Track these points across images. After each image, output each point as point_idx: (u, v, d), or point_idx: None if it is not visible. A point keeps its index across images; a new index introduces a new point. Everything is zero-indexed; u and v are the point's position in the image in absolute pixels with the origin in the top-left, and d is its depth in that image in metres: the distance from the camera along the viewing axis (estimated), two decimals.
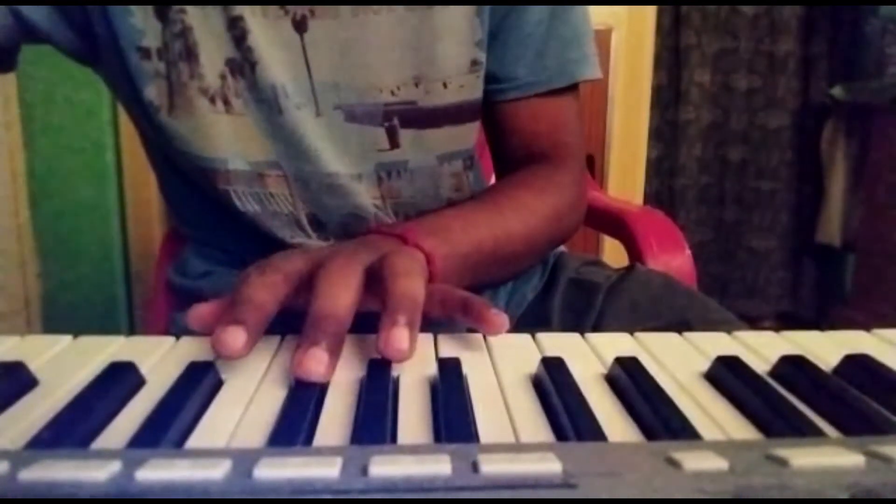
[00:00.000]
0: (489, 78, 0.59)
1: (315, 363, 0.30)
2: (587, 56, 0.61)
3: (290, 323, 0.35)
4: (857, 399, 0.29)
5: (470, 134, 0.60)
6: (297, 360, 0.30)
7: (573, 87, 0.62)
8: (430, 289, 0.38)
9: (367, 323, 0.38)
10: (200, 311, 0.35)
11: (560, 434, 0.27)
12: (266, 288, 0.34)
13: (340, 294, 0.34)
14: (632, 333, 0.38)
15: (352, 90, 0.54)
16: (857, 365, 0.32)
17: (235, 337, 0.31)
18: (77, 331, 0.37)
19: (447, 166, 0.60)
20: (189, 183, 0.58)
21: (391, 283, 0.35)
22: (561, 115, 0.62)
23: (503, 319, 0.35)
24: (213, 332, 0.31)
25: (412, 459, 0.21)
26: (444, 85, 0.56)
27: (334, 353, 0.31)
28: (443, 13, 0.54)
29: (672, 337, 0.38)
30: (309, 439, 0.26)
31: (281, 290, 0.35)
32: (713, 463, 0.21)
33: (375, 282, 0.36)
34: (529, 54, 0.59)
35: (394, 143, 0.56)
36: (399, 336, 0.31)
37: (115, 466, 0.20)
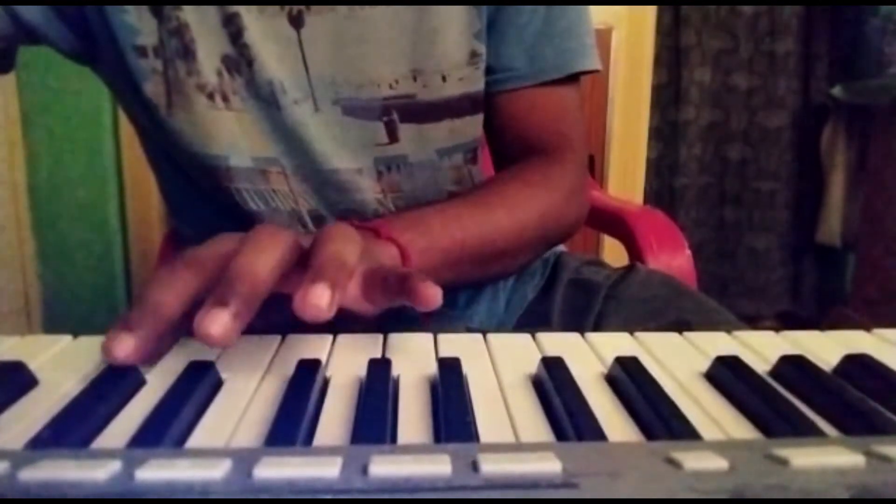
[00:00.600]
0: (486, 68, 0.58)
1: (217, 325, 0.28)
2: (585, 47, 0.61)
3: (276, 312, 0.33)
4: (857, 399, 0.29)
5: (471, 127, 0.60)
6: (198, 322, 0.28)
7: (573, 80, 0.61)
8: (374, 270, 0.36)
9: (366, 321, 0.38)
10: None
11: (560, 434, 0.27)
12: (167, 286, 0.32)
13: (262, 257, 0.31)
14: (632, 333, 0.38)
15: (349, 85, 0.54)
16: (857, 365, 0.32)
17: (121, 344, 0.29)
18: (77, 331, 0.37)
19: (448, 160, 0.59)
20: (189, 182, 0.58)
21: (318, 247, 0.33)
22: (559, 106, 0.61)
23: (435, 292, 0.32)
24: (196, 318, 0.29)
25: (412, 459, 0.21)
26: (443, 78, 0.56)
27: (241, 318, 0.29)
28: (440, 6, 0.54)
29: (672, 337, 0.38)
30: (309, 439, 0.26)
31: (189, 286, 0.32)
32: (713, 463, 0.21)
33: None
34: (526, 45, 0.58)
35: (393, 138, 0.56)
36: (318, 292, 0.29)
37: (115, 466, 0.20)
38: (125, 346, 0.30)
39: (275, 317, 0.33)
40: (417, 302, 0.32)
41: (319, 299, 0.29)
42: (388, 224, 0.45)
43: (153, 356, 0.32)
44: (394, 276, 0.35)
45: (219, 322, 0.28)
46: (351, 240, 0.34)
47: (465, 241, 0.50)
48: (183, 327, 0.32)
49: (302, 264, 0.33)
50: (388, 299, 0.35)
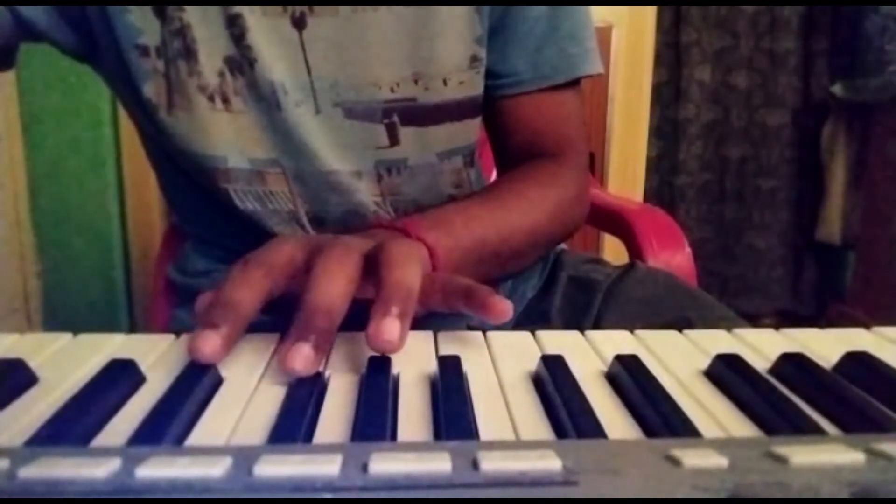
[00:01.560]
0: (489, 74, 0.59)
1: (301, 359, 0.30)
2: (588, 51, 0.61)
3: (287, 310, 0.34)
4: (857, 397, 0.29)
5: (470, 131, 0.60)
6: (283, 355, 0.30)
7: (575, 83, 0.62)
8: (431, 277, 0.38)
9: (366, 319, 0.38)
10: (206, 301, 0.35)
11: (560, 431, 0.27)
12: (245, 286, 0.34)
13: (335, 286, 0.33)
14: (632, 331, 0.38)
15: (351, 87, 0.54)
16: (857, 362, 0.32)
17: (208, 342, 0.30)
18: (77, 328, 0.37)
19: (447, 163, 0.60)
20: (189, 181, 0.58)
21: (386, 272, 0.34)
22: (562, 110, 0.62)
23: (507, 306, 0.35)
24: (190, 339, 0.31)
25: (412, 457, 0.21)
26: (444, 82, 0.56)
27: (321, 349, 0.31)
28: (442, 10, 0.54)
29: (672, 334, 0.38)
30: (309, 436, 0.26)
31: (263, 286, 0.34)
32: (713, 460, 0.21)
33: (372, 271, 0.35)
34: (529, 49, 0.59)
35: (393, 141, 0.56)
36: (389, 327, 0.31)
37: (114, 464, 0.20)
38: (212, 344, 0.31)
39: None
40: (490, 314, 0.34)
41: (391, 334, 0.31)
42: (415, 224, 0.45)
43: (229, 352, 0.32)
44: (457, 287, 0.37)
45: (302, 356, 0.30)
46: (413, 262, 0.35)
47: (486, 239, 0.51)
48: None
49: (367, 271, 0.35)
50: (448, 306, 0.37)
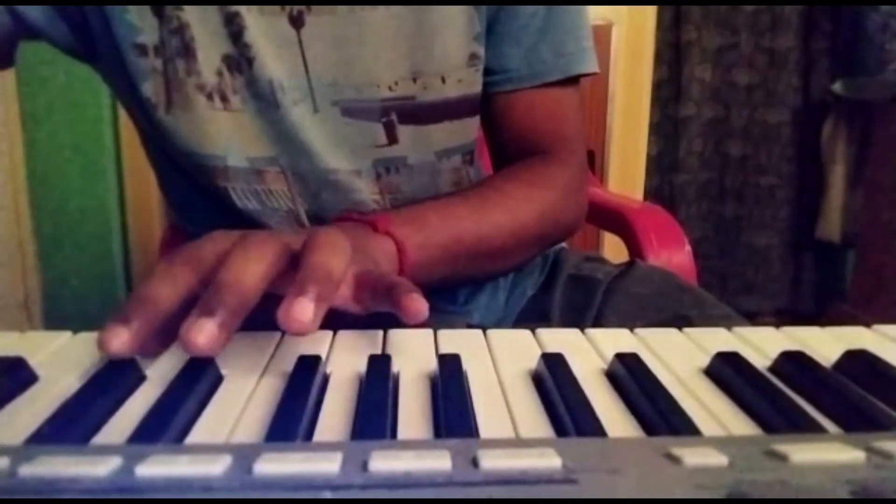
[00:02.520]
0: (485, 70, 0.58)
1: (203, 336, 0.28)
2: (584, 50, 0.61)
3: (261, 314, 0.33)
4: (856, 395, 0.29)
5: (469, 129, 0.60)
6: (184, 332, 0.28)
7: (572, 81, 0.61)
8: (367, 274, 0.36)
9: (367, 319, 0.38)
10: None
11: (560, 429, 0.27)
12: (164, 281, 0.32)
13: (249, 266, 0.31)
14: (632, 329, 0.38)
15: (349, 86, 0.54)
16: (856, 361, 0.32)
17: (115, 336, 0.30)
18: (77, 327, 0.37)
19: (446, 162, 0.60)
20: (188, 179, 0.58)
21: (306, 254, 0.32)
22: (558, 108, 0.61)
23: (421, 306, 0.32)
24: (182, 328, 0.30)
25: (412, 455, 0.21)
26: (443, 80, 0.56)
27: (226, 327, 0.29)
28: (440, 8, 0.54)
29: (672, 333, 0.38)
30: (309, 435, 0.26)
31: (185, 281, 0.32)
32: (713, 458, 0.21)
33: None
34: (524, 46, 0.58)
35: (392, 139, 0.56)
36: (301, 307, 0.29)
37: (115, 462, 0.20)
38: (120, 339, 0.30)
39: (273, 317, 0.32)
40: (403, 314, 0.32)
41: (302, 314, 0.29)
42: (385, 218, 0.45)
43: (148, 350, 0.32)
44: (382, 284, 0.35)
45: (205, 331, 0.28)
46: (339, 248, 0.33)
47: (463, 237, 0.50)
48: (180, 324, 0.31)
49: (296, 266, 0.33)
50: (377, 304, 0.35)
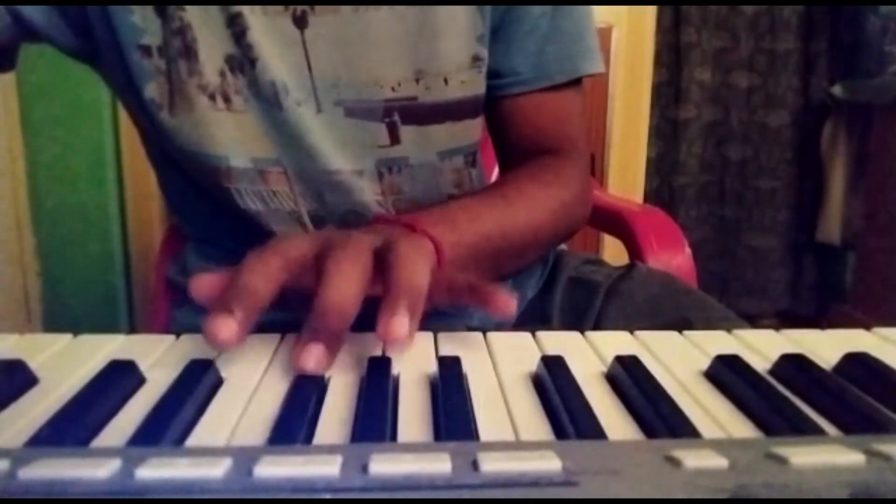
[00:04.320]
0: (491, 73, 0.59)
1: (312, 359, 0.30)
2: (590, 50, 0.61)
3: (295, 305, 0.34)
4: (857, 397, 0.29)
5: (472, 130, 0.60)
6: (296, 354, 0.30)
7: (576, 82, 0.62)
8: (436, 276, 0.37)
9: (368, 319, 0.38)
10: (202, 283, 0.34)
11: (560, 432, 0.27)
12: (262, 274, 0.33)
13: (347, 286, 0.33)
14: (632, 332, 0.38)
15: (352, 86, 0.54)
16: (857, 363, 0.32)
17: (224, 326, 0.30)
18: (77, 329, 0.37)
19: (448, 162, 0.60)
20: (189, 181, 0.58)
21: (395, 269, 0.34)
22: (564, 109, 0.62)
23: (511, 301, 0.35)
24: (205, 322, 0.31)
25: (412, 457, 0.21)
26: (445, 81, 0.56)
27: (333, 349, 0.31)
28: (443, 9, 0.54)
29: (672, 335, 0.38)
30: (309, 437, 0.26)
31: (279, 276, 0.34)
32: (713, 461, 0.21)
33: (381, 268, 0.35)
34: (531, 49, 0.59)
35: (394, 139, 0.56)
36: (399, 324, 0.31)
37: (115, 464, 0.20)
38: (229, 329, 0.30)
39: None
40: (495, 310, 0.35)
41: (401, 331, 0.31)
42: (420, 219, 0.45)
43: (244, 338, 0.32)
44: (460, 284, 0.37)
45: (314, 356, 0.31)
46: (423, 260, 0.36)
47: (489, 236, 0.51)
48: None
49: (378, 267, 0.35)
50: (452, 301, 0.38)
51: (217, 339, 0.30)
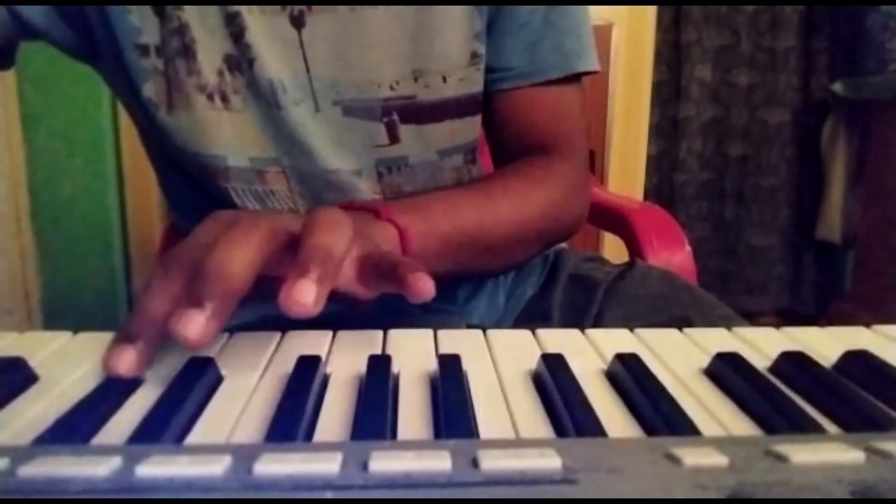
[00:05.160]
0: (486, 68, 0.58)
1: (191, 328, 0.28)
2: (585, 48, 0.61)
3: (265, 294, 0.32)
4: (856, 395, 0.29)
5: (471, 128, 0.60)
6: (172, 323, 0.28)
7: (574, 79, 0.61)
8: (370, 255, 0.36)
9: (367, 318, 0.38)
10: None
11: (560, 430, 0.27)
12: (157, 296, 0.32)
13: (236, 252, 0.30)
14: (632, 329, 0.38)
15: (350, 85, 0.54)
16: (856, 361, 0.32)
17: (122, 357, 0.30)
18: (77, 327, 0.37)
19: (448, 161, 0.59)
20: (188, 180, 0.58)
21: (306, 235, 0.31)
22: (559, 106, 0.61)
23: (427, 285, 0.31)
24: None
25: (412, 455, 0.21)
26: (444, 79, 0.56)
27: (215, 317, 0.28)
28: (441, 7, 0.54)
29: (672, 333, 0.38)
30: (309, 435, 0.26)
31: (174, 290, 0.32)
32: (713, 459, 0.21)
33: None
34: (524, 44, 0.58)
35: (393, 139, 0.56)
36: (303, 289, 0.28)
37: (115, 462, 0.20)
38: (127, 361, 0.30)
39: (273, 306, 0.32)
40: (408, 293, 0.31)
41: (304, 296, 0.28)
42: (388, 206, 0.45)
43: (150, 363, 0.32)
44: (386, 263, 0.34)
45: (194, 324, 0.28)
46: (340, 227, 0.32)
47: (465, 228, 0.50)
48: None
49: (293, 248, 0.32)
50: (383, 286, 0.35)
51: (117, 371, 0.30)
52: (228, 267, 0.29)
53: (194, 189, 0.59)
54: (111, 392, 0.29)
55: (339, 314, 0.33)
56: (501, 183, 0.56)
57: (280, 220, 0.33)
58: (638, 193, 1.72)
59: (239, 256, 0.30)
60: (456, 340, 0.36)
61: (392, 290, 0.33)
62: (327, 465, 0.20)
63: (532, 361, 0.32)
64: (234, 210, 0.35)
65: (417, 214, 0.46)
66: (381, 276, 0.34)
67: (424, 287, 0.31)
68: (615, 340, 0.36)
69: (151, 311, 0.31)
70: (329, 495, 0.19)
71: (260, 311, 0.34)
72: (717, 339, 0.37)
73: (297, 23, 0.52)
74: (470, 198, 0.53)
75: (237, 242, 0.30)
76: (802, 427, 0.26)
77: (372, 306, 0.37)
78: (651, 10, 1.67)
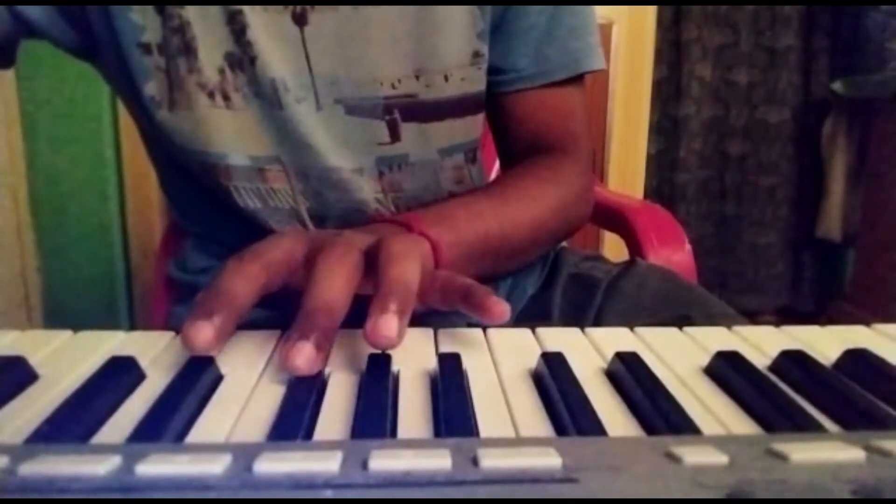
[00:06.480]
0: (492, 69, 0.59)
1: (302, 358, 0.29)
2: (591, 46, 0.61)
3: (285, 305, 0.34)
4: (856, 394, 0.29)
5: (472, 127, 0.60)
6: (285, 354, 0.30)
7: (578, 78, 0.62)
8: (431, 274, 0.37)
9: (366, 316, 0.38)
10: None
11: (560, 429, 0.27)
12: (242, 278, 0.33)
13: (336, 284, 0.33)
14: (632, 328, 0.38)
15: (352, 84, 0.54)
16: (856, 360, 0.32)
17: (201, 332, 0.30)
18: (77, 325, 0.37)
19: (449, 160, 0.60)
20: (189, 178, 0.58)
21: (385, 267, 0.34)
22: (565, 106, 0.62)
23: (504, 308, 0.34)
24: (183, 328, 0.31)
25: (412, 454, 0.21)
26: (446, 78, 0.56)
27: (323, 348, 0.30)
28: (443, 6, 0.54)
29: (672, 332, 0.38)
30: (309, 434, 0.26)
31: (260, 279, 0.34)
32: (713, 457, 0.21)
33: (373, 267, 0.35)
34: (532, 45, 0.59)
35: (395, 137, 0.56)
36: (387, 323, 0.30)
37: (115, 461, 0.20)
38: (206, 334, 0.30)
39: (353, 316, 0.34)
40: (487, 316, 0.34)
41: (390, 330, 0.30)
42: (418, 218, 0.45)
43: (224, 344, 0.32)
44: (456, 286, 0.36)
45: (304, 354, 0.30)
46: (413, 259, 0.35)
47: (488, 235, 0.50)
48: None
49: (369, 267, 0.35)
50: (445, 304, 0.37)
51: (194, 345, 0.30)
52: (333, 301, 0.32)
53: (195, 188, 0.59)
54: (111, 390, 0.29)
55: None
56: (516, 186, 0.57)
57: (360, 244, 0.36)
58: (638, 192, 1.72)
59: (339, 290, 0.33)
60: (456, 339, 0.36)
61: (458, 308, 0.36)
62: (327, 464, 0.20)
63: (532, 360, 0.32)
64: (312, 230, 0.37)
65: (445, 225, 0.46)
66: (447, 296, 0.37)
67: (503, 310, 0.34)
68: (615, 339, 0.36)
69: (230, 291, 0.32)
70: (329, 494, 0.19)
71: (260, 310, 0.35)
72: (718, 338, 0.37)
73: (300, 20, 0.52)
74: (489, 204, 0.53)
75: (336, 273, 0.33)
76: (802, 426, 0.26)
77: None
78: (651, 9, 1.67)
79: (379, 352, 0.32)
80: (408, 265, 0.34)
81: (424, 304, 0.37)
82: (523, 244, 0.55)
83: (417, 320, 0.37)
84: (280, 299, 0.35)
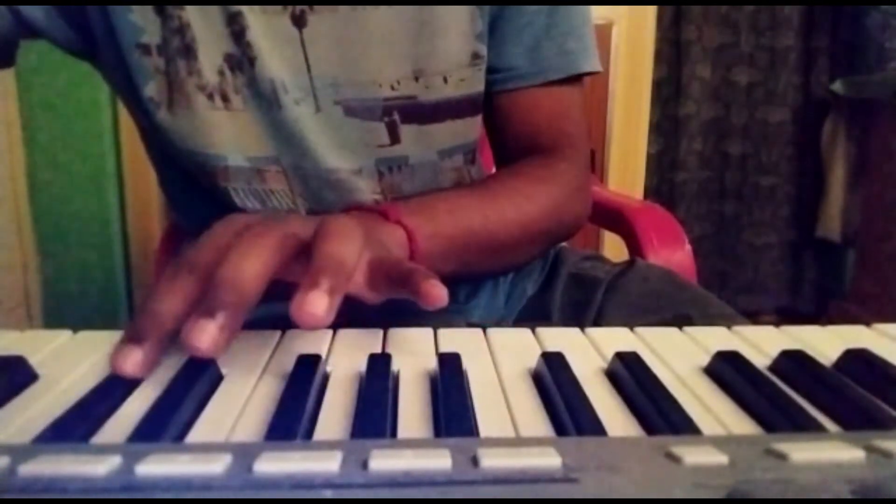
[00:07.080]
0: (487, 68, 0.59)
1: (205, 337, 0.28)
2: (586, 48, 0.61)
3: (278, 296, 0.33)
4: (856, 394, 0.29)
5: (471, 128, 0.60)
6: (185, 333, 0.28)
7: (575, 79, 0.61)
8: (380, 260, 0.36)
9: (366, 316, 0.38)
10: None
11: (560, 428, 0.27)
12: (170, 295, 0.31)
13: (247, 262, 0.30)
14: (632, 328, 0.38)
15: (351, 85, 0.54)
16: (856, 360, 0.32)
17: (128, 358, 0.30)
18: (77, 325, 0.37)
19: (448, 161, 0.60)
20: (188, 179, 0.58)
21: (318, 243, 0.32)
22: (561, 106, 0.62)
23: (441, 293, 0.32)
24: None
25: (412, 453, 0.21)
26: (445, 79, 0.56)
27: (227, 327, 0.29)
28: (442, 7, 0.54)
29: (672, 332, 0.38)
30: (309, 433, 0.26)
31: (193, 290, 0.32)
32: (713, 457, 0.21)
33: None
34: (527, 45, 0.58)
35: (394, 139, 0.56)
36: (315, 300, 0.28)
37: (115, 461, 0.20)
38: (133, 361, 0.30)
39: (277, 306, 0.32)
40: (423, 300, 0.32)
41: (316, 307, 0.28)
42: (396, 208, 0.45)
43: (156, 364, 0.32)
44: (398, 270, 0.34)
45: (206, 333, 0.28)
46: (351, 235, 0.33)
47: (471, 229, 0.50)
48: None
49: (305, 253, 0.32)
50: (393, 291, 0.35)
51: (121, 371, 0.30)
52: (241, 277, 0.30)
53: (194, 189, 0.59)
54: (111, 391, 0.29)
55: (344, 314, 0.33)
56: (505, 183, 0.56)
57: (291, 227, 0.34)
58: (638, 192, 1.72)
59: (251, 266, 0.30)
60: (456, 339, 0.36)
61: (403, 295, 0.33)
62: (327, 464, 0.20)
63: (532, 360, 0.32)
64: (245, 214, 0.35)
65: (424, 216, 0.46)
66: (391, 282, 0.34)
67: (439, 294, 0.32)
68: (615, 339, 0.36)
69: (160, 312, 0.31)
70: (329, 494, 0.19)
71: (260, 309, 0.34)
72: (718, 338, 0.37)
73: (299, 22, 0.52)
74: (475, 198, 0.53)
75: (249, 251, 0.31)
76: (802, 426, 0.26)
77: (376, 309, 0.37)
78: (651, 9, 1.67)
79: (379, 351, 0.32)
80: (344, 243, 0.32)
81: (377, 292, 0.36)
82: (512, 241, 0.55)
83: (416, 320, 0.37)
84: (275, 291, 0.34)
